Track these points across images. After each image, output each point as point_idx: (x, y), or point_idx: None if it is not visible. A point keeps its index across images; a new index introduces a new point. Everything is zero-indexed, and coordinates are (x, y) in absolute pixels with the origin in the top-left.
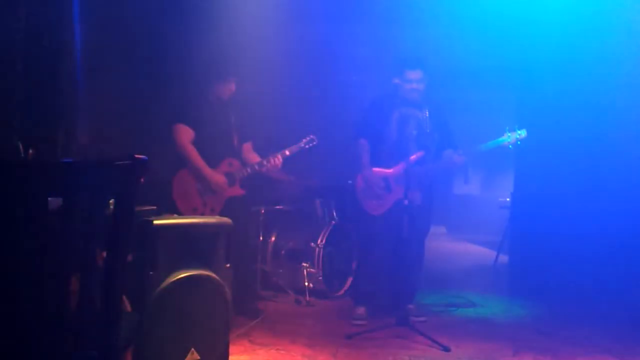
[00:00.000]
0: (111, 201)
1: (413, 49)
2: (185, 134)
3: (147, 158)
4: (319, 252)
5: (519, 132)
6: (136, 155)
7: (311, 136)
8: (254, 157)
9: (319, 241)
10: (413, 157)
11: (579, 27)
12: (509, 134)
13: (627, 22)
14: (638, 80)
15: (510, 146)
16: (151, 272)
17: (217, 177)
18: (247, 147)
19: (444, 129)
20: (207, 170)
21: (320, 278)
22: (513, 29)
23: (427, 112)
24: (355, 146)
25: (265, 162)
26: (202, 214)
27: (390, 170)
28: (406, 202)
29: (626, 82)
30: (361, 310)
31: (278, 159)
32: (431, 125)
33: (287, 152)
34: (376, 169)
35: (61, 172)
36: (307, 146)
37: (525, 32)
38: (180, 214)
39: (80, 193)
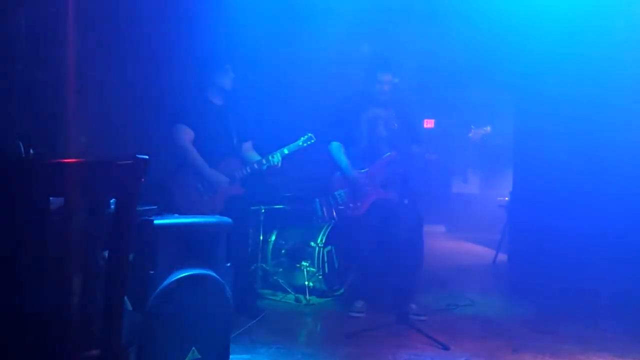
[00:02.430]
0: (112, 201)
1: (385, 50)
2: (185, 134)
3: (148, 158)
4: (319, 251)
5: (484, 128)
6: (137, 155)
7: (309, 134)
8: (253, 156)
9: (318, 240)
10: (388, 156)
11: (578, 24)
12: (475, 130)
13: (627, 19)
14: (637, 78)
15: (476, 141)
16: (152, 272)
17: (217, 176)
18: (247, 146)
19: (410, 127)
20: (207, 170)
21: (320, 277)
22: (511, 27)
23: (393, 112)
24: (330, 149)
25: (264, 161)
26: (203, 214)
27: (368, 171)
28: (406, 201)
29: (625, 80)
30: (360, 303)
31: (277, 158)
32: (400, 124)
33: (286, 151)
34: (357, 171)
35: (62, 172)
36: (305, 144)
37: (524, 29)
38: (181, 213)
39: (81, 193)
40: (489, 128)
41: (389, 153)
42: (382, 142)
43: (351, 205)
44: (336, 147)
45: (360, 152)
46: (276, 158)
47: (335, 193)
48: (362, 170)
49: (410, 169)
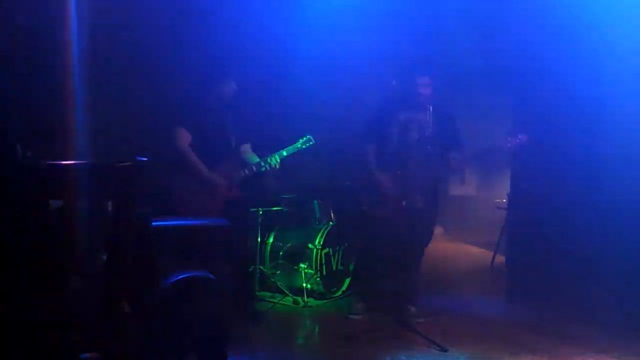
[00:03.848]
0: (111, 203)
1: (420, 52)
2: (183, 137)
3: (146, 160)
4: (316, 253)
5: (519, 137)
6: (136, 158)
7: (308, 136)
8: (252, 158)
9: (316, 242)
10: (413, 161)
11: (574, 28)
12: (510, 139)
13: (624, 22)
14: (634, 80)
15: (510, 150)
16: (150, 274)
17: (215, 179)
18: (246, 148)
19: (448, 132)
20: (205, 173)
21: (318, 279)
22: (508, 31)
23: (430, 116)
24: (363, 150)
25: (262, 163)
26: (201, 216)
27: (393, 175)
28: (404, 203)
29: (622, 83)
30: (359, 305)
31: (275, 160)
32: (434, 129)
33: (284, 153)
34: (383, 174)
35: (61, 174)
36: (304, 146)
37: (520, 33)
38: (179, 216)
39: (80, 195)
40: (523, 137)
41: (416, 158)
42: (413, 146)
43: (374, 207)
44: (367, 148)
45: (390, 155)
46: (274, 160)
47: (362, 193)
48: (389, 173)
49: (437, 175)
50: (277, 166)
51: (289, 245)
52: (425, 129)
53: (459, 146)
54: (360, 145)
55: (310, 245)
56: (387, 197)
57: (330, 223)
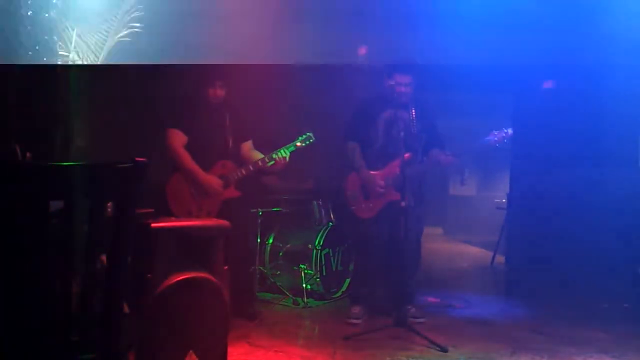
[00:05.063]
0: (110, 204)
1: (405, 51)
2: (177, 138)
3: (147, 161)
4: (316, 253)
5: (505, 130)
6: (136, 158)
7: (308, 134)
8: (255, 156)
9: (316, 243)
10: (406, 157)
11: (573, 26)
12: (495, 133)
13: (621, 22)
14: (632, 80)
15: (497, 145)
16: (149, 275)
17: (210, 180)
18: (247, 146)
19: (430, 130)
20: (200, 174)
21: (318, 280)
22: (506, 30)
23: (413, 114)
24: (346, 149)
25: (267, 160)
26: (199, 217)
27: (382, 172)
28: (403, 203)
29: (620, 82)
30: (356, 309)
31: (283, 153)
32: (418, 126)
33: (283, 151)
34: (371, 172)
35: (62, 174)
36: (303, 144)
37: (518, 32)
38: (177, 217)
39: (80, 196)
40: (510, 131)
41: (405, 155)
42: (399, 144)
43: (363, 206)
44: (352, 147)
45: (375, 153)
46: (282, 153)
47: (348, 193)
48: (376, 172)
49: (424, 172)
50: (287, 159)
51: (288, 245)
52: (410, 127)
53: (440, 143)
54: (342, 145)
55: (310, 246)
56: (375, 195)
57: (330, 224)
